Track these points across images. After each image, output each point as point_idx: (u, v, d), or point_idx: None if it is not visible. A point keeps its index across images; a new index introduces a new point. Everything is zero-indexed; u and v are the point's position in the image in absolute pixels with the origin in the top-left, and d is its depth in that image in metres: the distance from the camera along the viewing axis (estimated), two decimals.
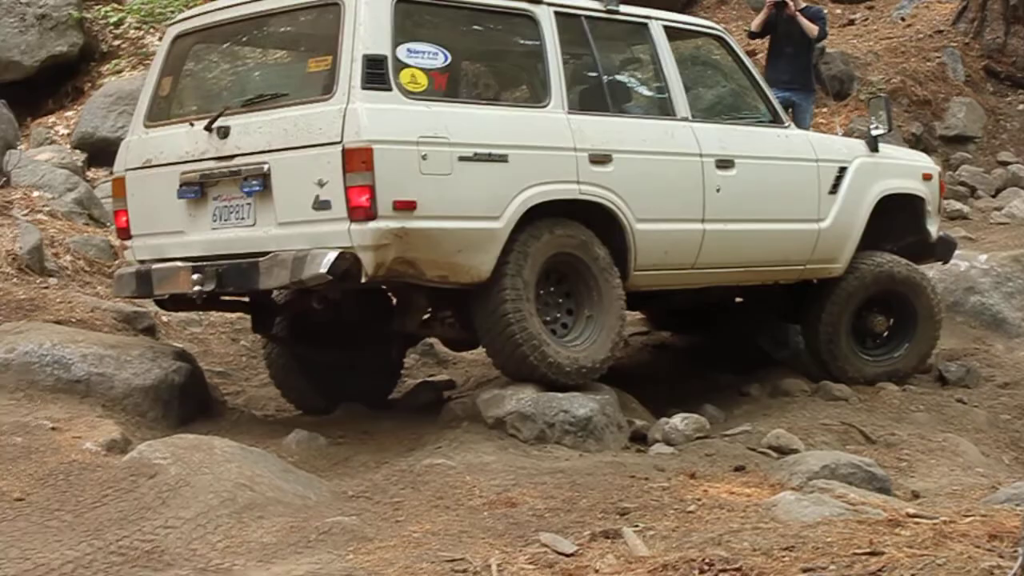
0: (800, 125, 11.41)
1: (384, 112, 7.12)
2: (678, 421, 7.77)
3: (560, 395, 7.47)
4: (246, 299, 8.32)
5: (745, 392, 9.12)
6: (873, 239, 9.38)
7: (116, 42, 16.92)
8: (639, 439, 7.74)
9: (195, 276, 7.51)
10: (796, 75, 12.88)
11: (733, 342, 10.09)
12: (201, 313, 9.86)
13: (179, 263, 7.68)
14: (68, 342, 7.86)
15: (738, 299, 9.90)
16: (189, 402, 8.01)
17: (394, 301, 8.22)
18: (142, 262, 7.97)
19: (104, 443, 6.86)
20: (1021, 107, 17.39)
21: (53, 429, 7.01)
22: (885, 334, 9.54)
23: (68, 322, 8.79)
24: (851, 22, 18.60)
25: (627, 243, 7.95)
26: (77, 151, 15.37)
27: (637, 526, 5.70)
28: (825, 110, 15.62)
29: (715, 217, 8.40)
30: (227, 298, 8.25)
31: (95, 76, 16.56)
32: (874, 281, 9.33)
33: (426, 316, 7.93)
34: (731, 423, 8.30)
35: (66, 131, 15.97)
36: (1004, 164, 16.40)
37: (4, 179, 11.75)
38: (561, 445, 7.29)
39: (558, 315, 7.77)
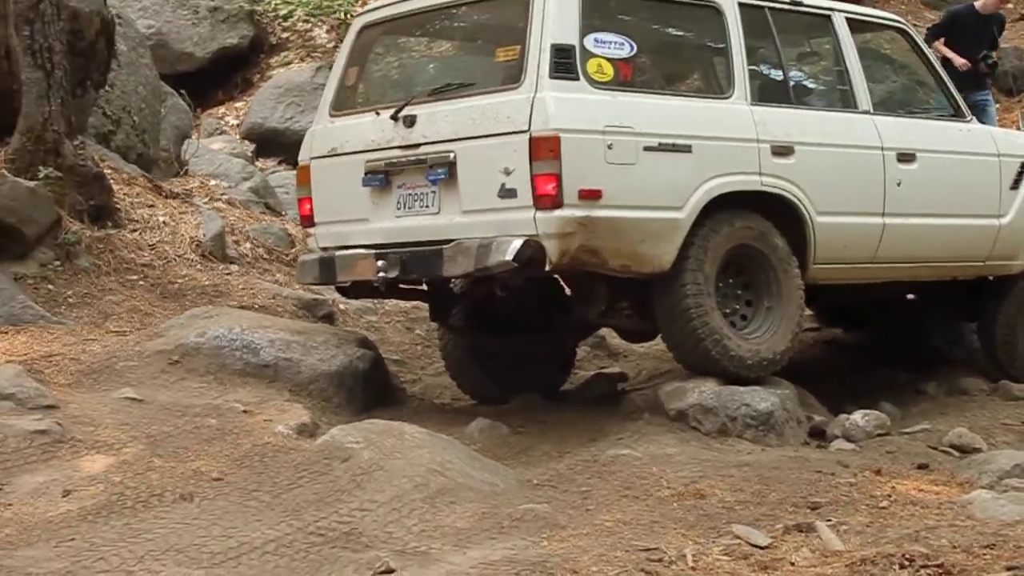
0: (987, 123, 11.33)
1: (571, 101, 7.19)
2: (858, 417, 7.74)
3: (742, 389, 7.48)
4: (425, 288, 8.42)
5: (922, 390, 9.05)
6: None
7: (285, 34, 17.26)
8: (818, 435, 7.72)
9: (379, 263, 7.62)
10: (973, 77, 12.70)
11: (908, 339, 10.00)
12: (377, 302, 10.03)
13: (362, 250, 7.81)
14: (256, 327, 8.04)
15: (910, 296, 9.81)
16: (372, 389, 8.15)
17: (569, 292, 8.28)
18: (325, 249, 8.11)
19: (295, 426, 7.02)
20: None
21: (244, 412, 7.18)
22: None
23: (251, 308, 9.03)
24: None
25: (807, 236, 7.94)
26: (246, 141, 15.71)
27: (830, 520, 5.71)
28: (999, 106, 15.37)
29: (895, 211, 8.35)
30: (406, 287, 8.36)
31: (264, 68, 16.92)
32: None
33: (604, 307, 7.95)
34: (909, 421, 8.25)
35: (236, 122, 16.34)
36: None
37: (183, 168, 12.07)
38: (742, 439, 7.30)
39: (737, 307, 7.78)
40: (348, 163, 7.92)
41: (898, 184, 8.35)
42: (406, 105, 7.68)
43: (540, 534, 5.62)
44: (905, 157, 8.42)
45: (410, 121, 7.62)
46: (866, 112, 8.42)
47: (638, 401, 7.81)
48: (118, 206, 9.96)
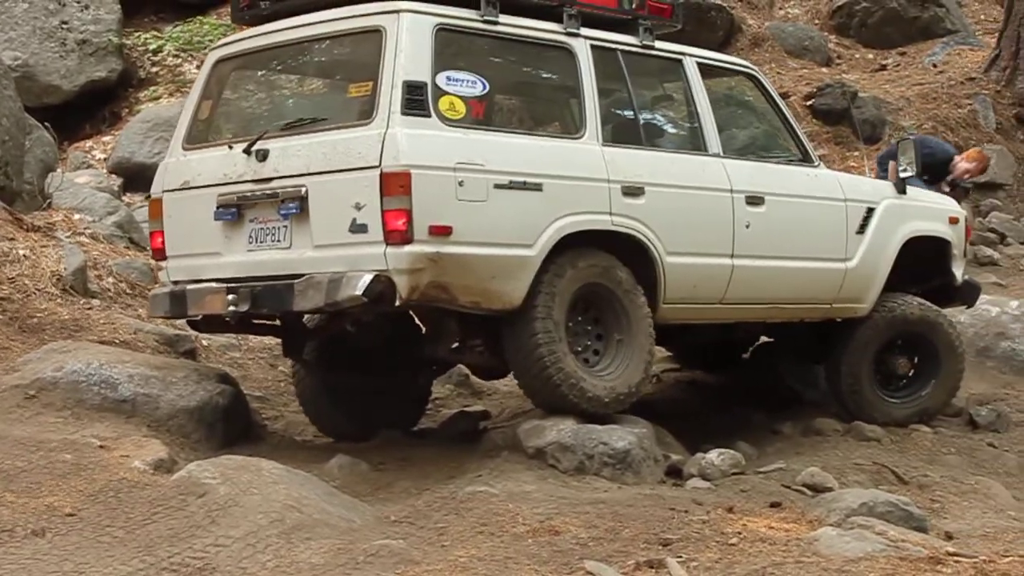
0: None
1: (423, 138, 7.22)
2: (714, 456, 7.85)
3: (599, 428, 7.55)
4: (277, 323, 8.36)
5: (777, 430, 9.19)
6: (898, 281, 9.46)
7: (154, 69, 17.10)
8: (675, 473, 7.81)
9: (230, 297, 7.58)
10: None
11: (764, 380, 10.17)
12: (240, 338, 9.98)
13: (214, 284, 7.76)
14: (115, 362, 7.97)
15: (764, 338, 9.99)
16: (232, 425, 8.11)
17: (423, 328, 8.31)
18: (176, 282, 8.03)
19: (152, 462, 6.95)
20: None
21: (101, 447, 7.11)
22: (910, 374, 9.60)
23: (112, 343, 8.93)
24: (883, 67, 18.75)
25: (657, 275, 8.03)
26: (113, 175, 15.51)
27: (680, 557, 5.79)
28: (856, 153, 15.73)
29: (744, 253, 8.49)
30: (259, 321, 8.29)
31: (132, 102, 16.73)
32: (888, 325, 9.39)
33: (455, 344, 7.99)
34: (764, 460, 8.38)
35: (103, 155, 16.14)
36: None
37: (46, 201, 11.91)
38: (600, 477, 7.36)
39: (588, 343, 7.83)
40: (200, 196, 7.86)
41: (747, 226, 8.49)
42: (259, 139, 7.66)
43: (394, 570, 5.64)
44: (754, 200, 8.56)
45: (263, 155, 7.60)
46: (716, 155, 8.55)
47: (498, 439, 7.84)
48: None
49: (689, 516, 6.59)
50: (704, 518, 6.56)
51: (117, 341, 9.05)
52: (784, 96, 16.78)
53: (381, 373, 8.55)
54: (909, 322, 9.45)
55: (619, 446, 7.49)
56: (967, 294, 10.16)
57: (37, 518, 6.06)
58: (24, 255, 9.97)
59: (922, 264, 9.61)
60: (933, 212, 9.86)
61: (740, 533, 6.26)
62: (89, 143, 16.40)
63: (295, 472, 6.71)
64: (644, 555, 5.83)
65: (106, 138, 16.41)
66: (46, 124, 13.17)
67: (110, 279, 10.38)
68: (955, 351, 9.63)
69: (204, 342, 9.79)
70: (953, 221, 9.90)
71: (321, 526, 6.14)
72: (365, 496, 7.07)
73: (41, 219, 11.17)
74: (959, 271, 9.92)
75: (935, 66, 18.37)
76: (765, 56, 17.93)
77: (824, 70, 18.36)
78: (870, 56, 18.79)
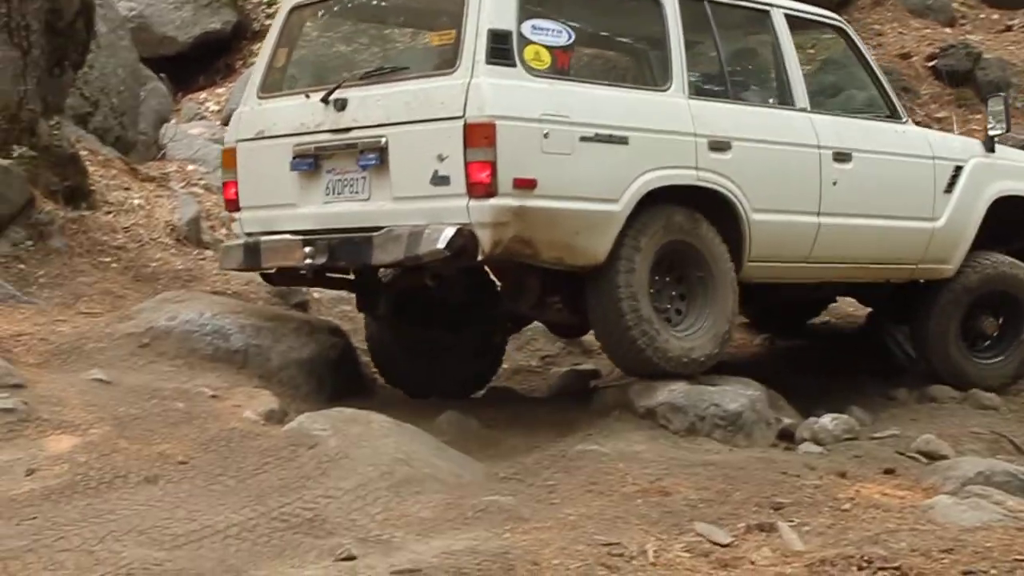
0: None
1: (508, 88, 7.16)
2: (827, 421, 7.79)
3: (712, 388, 7.55)
4: (352, 277, 8.36)
5: (892, 396, 9.09)
6: (982, 243, 9.30)
7: (268, 21, 17.22)
8: (787, 437, 7.76)
9: (306, 249, 7.55)
10: None
11: (877, 346, 10.09)
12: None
13: (289, 236, 7.73)
14: (227, 313, 8.06)
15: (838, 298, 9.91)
16: (342, 378, 8.19)
17: (499, 285, 8.24)
18: (250, 234, 8.01)
19: (263, 412, 7.05)
20: None
21: (213, 397, 7.22)
22: (995, 335, 9.47)
23: (224, 294, 9.07)
24: (1009, 28, 18.36)
25: (742, 233, 7.96)
26: (226, 127, 15.67)
27: (792, 521, 5.77)
28: (979, 116, 15.46)
29: (830, 210, 8.40)
30: (333, 275, 8.31)
31: (246, 54, 16.90)
32: (980, 283, 9.24)
33: (534, 301, 7.89)
34: (878, 426, 8.28)
35: (216, 107, 16.33)
36: None
37: (160, 152, 12.09)
38: (711, 438, 7.36)
39: (671, 303, 7.77)
40: (276, 146, 7.85)
41: (834, 183, 8.41)
42: (337, 88, 7.62)
43: (503, 526, 5.66)
44: (841, 156, 8.48)
45: (341, 105, 7.56)
46: (803, 110, 8.46)
47: (608, 398, 7.84)
48: (93, 188, 9.99)
49: (801, 480, 6.56)
50: (816, 483, 6.53)
51: (229, 292, 9.18)
52: (906, 57, 16.66)
53: (455, 330, 8.55)
54: (1000, 280, 9.31)
55: (731, 408, 7.47)
56: None
57: (150, 465, 6.16)
58: (139, 205, 10.14)
59: (1007, 225, 9.44)
60: (1022, 171, 9.69)
61: (853, 499, 6.23)
62: (203, 95, 16.60)
63: (404, 426, 6.76)
64: (755, 518, 5.82)
65: (220, 90, 16.60)
66: (161, 75, 13.36)
67: (223, 230, 10.51)
68: None
69: (315, 295, 9.89)
70: None
71: (430, 480, 6.18)
72: (474, 452, 7.09)
73: (155, 169, 11.36)
74: None
75: None
76: (887, 15, 17.64)
77: (947, 30, 18.04)
78: (995, 16, 18.41)
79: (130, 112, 12.02)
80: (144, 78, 12.88)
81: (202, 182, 11.47)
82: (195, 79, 16.88)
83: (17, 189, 9.03)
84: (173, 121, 13.95)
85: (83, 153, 10.15)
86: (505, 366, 9.69)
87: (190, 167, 11.90)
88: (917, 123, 10.00)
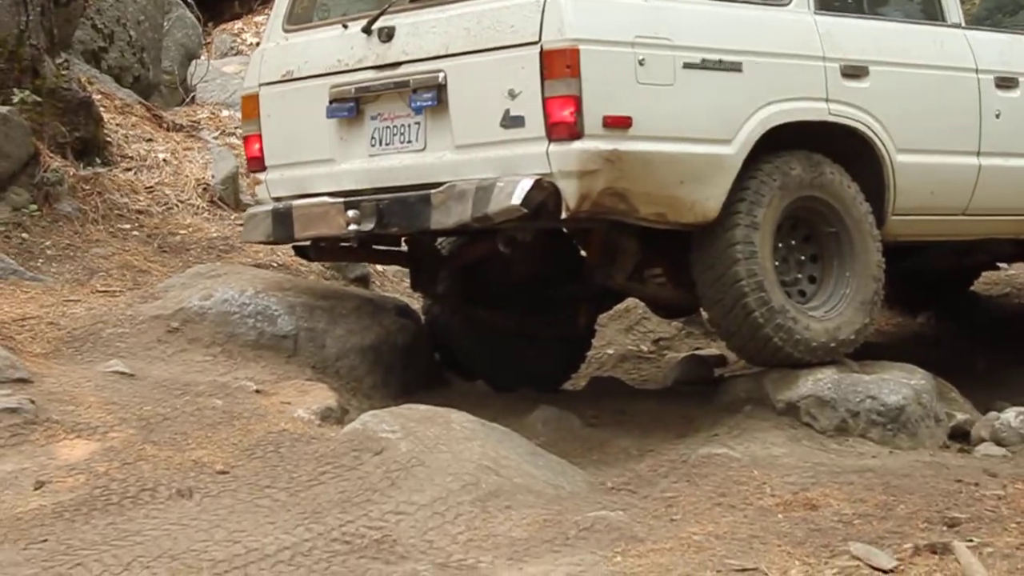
0: None
1: (593, 5, 7.12)
2: (1011, 417, 7.71)
3: (867, 378, 7.50)
4: (405, 248, 8.37)
5: None
6: None
7: None
8: (961, 436, 7.72)
9: (349, 213, 7.50)
10: None
11: None
12: None
13: (327, 199, 7.69)
14: (274, 290, 8.11)
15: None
16: (413, 368, 8.24)
17: (585, 253, 8.23)
18: (279, 199, 7.98)
19: (318, 411, 7.10)
20: None
21: (257, 392, 7.27)
22: None
23: (269, 266, 9.13)
24: None
25: (885, 180, 7.91)
26: None
27: (971, 540, 5.69)
28: None
29: (994, 149, 8.36)
30: (382, 247, 8.32)
31: None
32: None
33: (630, 272, 7.85)
34: None
35: (254, 40, 16.39)
36: None
37: (189, 95, 12.15)
38: (866, 439, 7.33)
39: (800, 275, 7.73)
40: (308, 90, 7.82)
41: (997, 115, 8.36)
42: (382, 14, 7.55)
43: (613, 548, 5.64)
44: (1005, 82, 8.42)
45: (387, 34, 7.53)
46: (957, 25, 8.40)
47: (738, 390, 7.82)
48: (109, 139, 10.06)
49: (980, 490, 6.48)
50: (999, 493, 6.45)
51: (275, 264, 9.23)
52: None
53: (533, 310, 8.54)
54: None
55: (891, 401, 7.42)
56: None
57: (183, 475, 6.21)
58: (164, 160, 10.21)
59: None
60: None
61: None
62: (239, 24, 16.70)
63: (491, 426, 6.76)
64: (924, 537, 5.75)
65: (258, 18, 16.68)
66: (188, 1, 13.40)
67: None
68: None
69: (379, 267, 9.91)
70: None
71: (523, 492, 6.18)
72: (576, 457, 7.11)
73: (183, 116, 11.43)
74: None
75: None
76: None
77: None
78: None
79: (151, 47, 12.08)
80: (168, 6, 12.95)
81: (240, 131, 11.50)
82: (228, 6, 16.96)
83: (18, 141, 9.11)
84: (203, 57, 14.03)
85: (96, 97, 10.21)
86: (611, 351, 9.70)
87: (225, 113, 11.97)
88: None
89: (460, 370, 8.70)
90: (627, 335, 10.02)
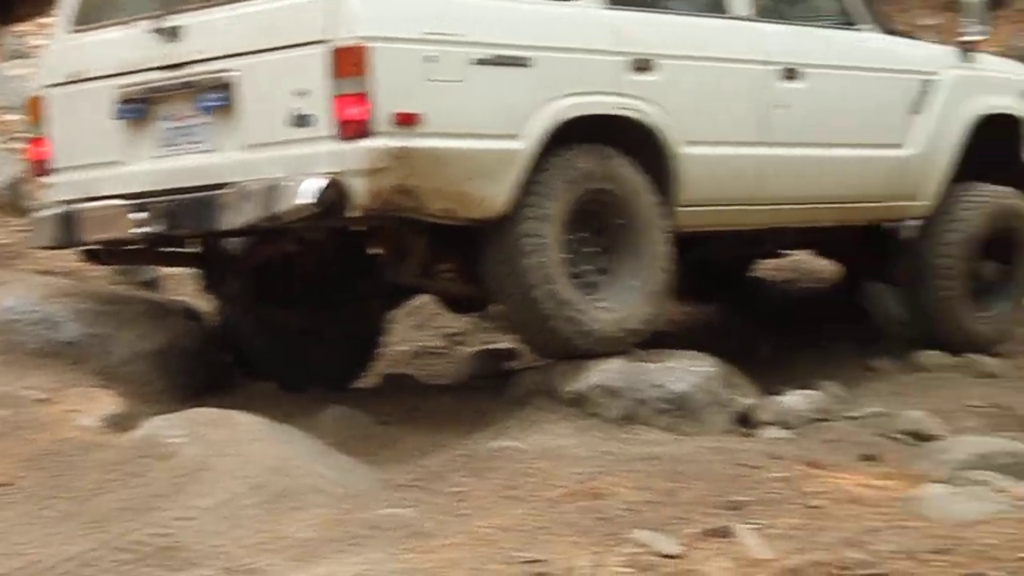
0: None
1: (381, 2, 7.11)
2: (794, 399, 7.85)
3: (653, 366, 7.55)
4: (198, 251, 8.31)
5: (872, 366, 9.20)
6: (963, 172, 9.43)
7: None
8: (746, 421, 7.79)
9: (138, 215, 7.42)
10: None
11: (851, 307, 10.17)
12: None
13: (116, 201, 7.58)
14: (58, 296, 8.01)
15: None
16: (201, 371, 8.19)
17: (376, 250, 8.21)
18: (66, 202, 7.85)
19: (104, 418, 7.04)
20: None
21: (41, 401, 7.17)
22: (994, 283, 9.67)
23: (54, 273, 8.96)
24: None
25: (673, 172, 7.96)
26: None
27: (754, 523, 5.76)
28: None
29: (780, 140, 8.48)
30: (173, 249, 8.25)
31: None
32: (988, 223, 9.41)
33: (421, 268, 7.84)
34: (856, 403, 8.34)
35: (41, 42, 16.11)
36: None
37: None
38: (653, 426, 7.37)
39: (589, 265, 7.74)
40: (95, 91, 7.71)
41: (782, 106, 8.48)
42: (169, 13, 7.47)
43: (402, 544, 5.63)
44: (791, 73, 8.54)
45: (175, 34, 7.44)
46: (744, 17, 8.50)
47: (529, 383, 7.83)
48: None
49: (763, 473, 6.57)
50: (782, 475, 6.54)
51: (60, 271, 9.06)
52: None
53: (324, 308, 8.53)
54: (1004, 217, 9.45)
55: (678, 388, 7.49)
56: None
57: None
58: None
59: (989, 150, 9.54)
60: (1005, 84, 9.84)
61: (826, 493, 6.24)
62: (23, 27, 16.37)
63: (280, 427, 6.73)
64: (709, 522, 5.80)
65: (46, 20, 16.37)
66: None
67: None
68: None
69: (167, 270, 9.79)
70: None
71: (312, 493, 6.16)
72: (366, 455, 7.08)
73: None
74: None
75: None
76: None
77: None
78: None
79: None
80: None
81: (25, 135, 11.31)
82: (16, 7, 16.65)
83: None
84: None
85: None
86: (404, 348, 9.67)
87: (7, 117, 11.75)
88: (901, 32, 10.04)
89: (252, 371, 8.64)
90: (420, 331, 10.02)
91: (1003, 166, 9.76)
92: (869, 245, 9.66)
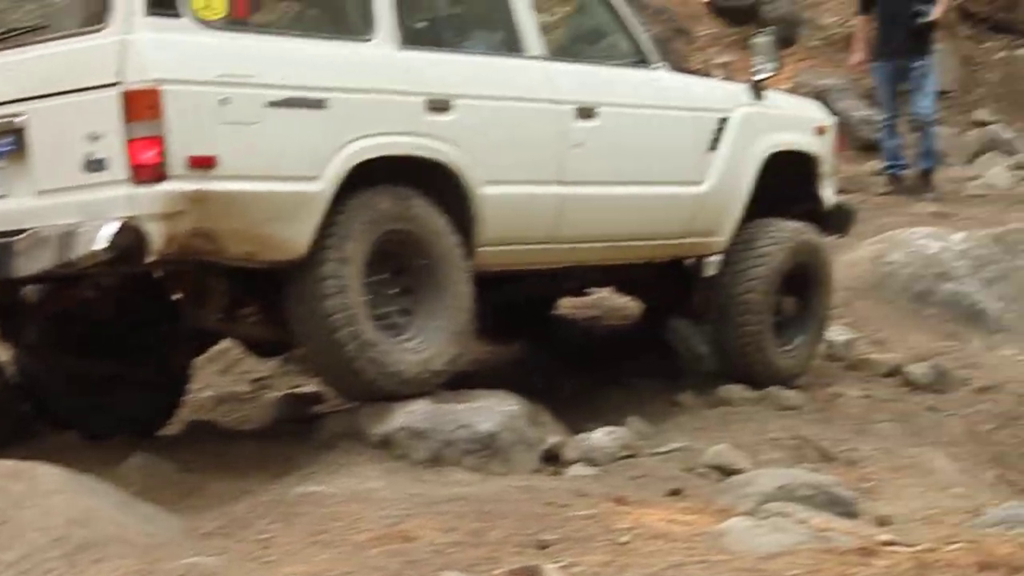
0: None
1: (174, 44, 7.03)
2: (600, 437, 7.90)
3: (459, 407, 7.58)
4: None
5: (676, 401, 9.27)
6: (756, 208, 9.60)
7: None
8: (553, 459, 7.83)
9: None
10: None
11: (657, 344, 10.29)
12: None
13: None
14: None
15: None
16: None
17: (177, 294, 8.12)
18: None
19: None
20: (1001, 55, 17.75)
21: None
22: (794, 317, 9.84)
23: None
24: None
25: (472, 211, 8.00)
26: None
27: (560, 561, 5.81)
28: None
29: (576, 178, 8.54)
30: None
31: None
32: (791, 258, 9.58)
33: (222, 311, 7.83)
34: (661, 438, 8.42)
35: None
36: (981, 124, 16.76)
37: None
38: (461, 467, 7.39)
39: (392, 306, 7.75)
40: None
41: (578, 145, 8.53)
42: None
43: None
44: (585, 112, 8.60)
45: None
46: (538, 57, 8.56)
47: (335, 426, 7.82)
48: None
49: (570, 511, 6.61)
50: (589, 513, 6.59)
51: None
52: None
53: (125, 356, 8.44)
54: (804, 252, 9.65)
55: (483, 429, 7.51)
56: (838, 221, 10.36)
57: None
58: None
59: (782, 186, 9.74)
60: (797, 122, 10.06)
61: (632, 529, 6.30)
62: None
63: (81, 478, 6.63)
64: (516, 561, 5.84)
65: None
66: None
67: None
68: (830, 288, 9.95)
69: None
70: (820, 131, 10.13)
71: (115, 543, 6.07)
72: (170, 504, 7.00)
73: None
74: (829, 193, 10.18)
75: None
76: None
77: None
78: None
79: None
80: None
81: None
82: None
83: None
84: None
85: None
86: (208, 394, 9.59)
87: None
88: (694, 70, 10.21)
89: (53, 420, 8.51)
90: (225, 376, 9.96)
91: (796, 201, 9.96)
92: (670, 281, 9.79)
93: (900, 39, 14.24)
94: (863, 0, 14.75)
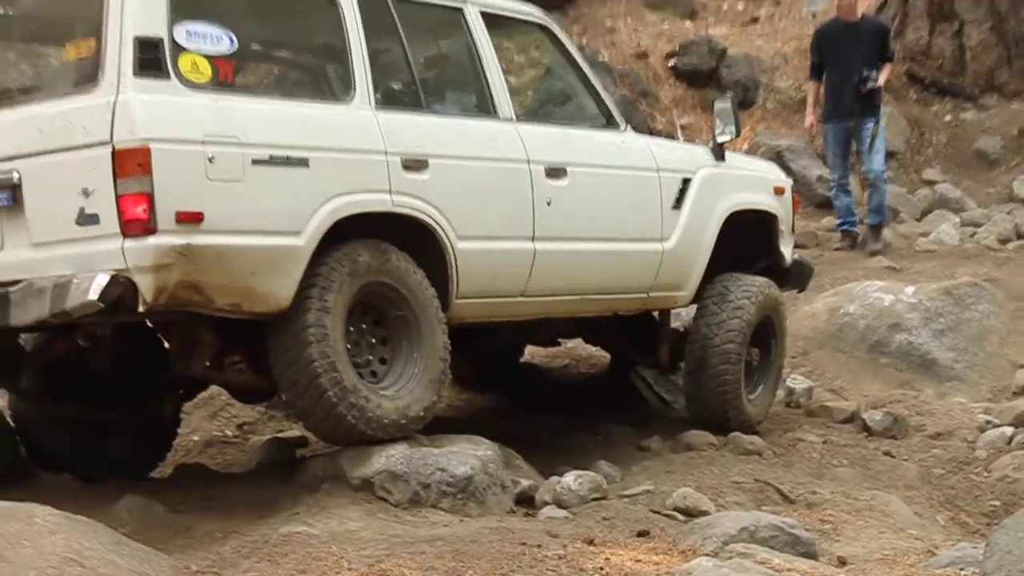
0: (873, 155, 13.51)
1: (163, 105, 7.06)
2: (570, 480, 7.92)
3: (436, 451, 7.59)
4: None
5: (644, 447, 9.32)
6: (718, 264, 9.68)
7: None
8: (526, 501, 7.88)
9: None
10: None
11: (623, 390, 10.33)
12: None
13: None
14: None
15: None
16: None
17: (166, 343, 8.16)
18: None
19: None
20: (948, 118, 17.89)
21: None
22: (757, 366, 9.92)
23: None
24: (755, 20, 19.00)
25: (448, 266, 8.05)
26: None
27: None
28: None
29: (547, 235, 8.57)
30: None
31: None
32: (759, 311, 9.67)
33: (209, 360, 7.86)
34: (629, 482, 8.48)
35: None
36: (930, 183, 16.88)
37: None
38: (438, 509, 7.39)
39: (371, 355, 7.79)
40: None
41: (548, 203, 8.57)
42: None
43: None
44: (554, 172, 8.65)
45: None
46: (509, 119, 8.62)
47: (317, 469, 7.82)
48: None
49: (542, 551, 6.63)
50: (560, 553, 6.61)
51: None
52: (643, 56, 17.07)
53: (117, 401, 8.44)
54: (771, 305, 9.77)
55: (460, 472, 7.52)
56: (797, 277, 10.46)
57: None
58: None
59: (743, 243, 9.84)
60: (756, 181, 10.15)
61: (602, 569, 6.33)
62: None
63: (75, 519, 6.59)
64: None
65: None
66: None
67: None
68: (785, 339, 10.09)
69: None
70: (779, 191, 10.24)
71: None
72: (161, 544, 6.97)
73: None
74: (787, 250, 10.28)
75: (814, 16, 18.67)
76: (619, 9, 18.07)
77: (687, 24, 18.59)
78: (740, 7, 19.03)
79: None
80: None
81: None
82: None
83: None
84: None
85: None
86: (196, 438, 9.59)
87: None
88: (658, 132, 10.29)
89: (48, 464, 8.48)
90: (212, 421, 9.94)
91: (757, 258, 10.05)
92: (637, 333, 9.84)
93: (849, 102, 14.39)
94: (814, 66, 14.90)
